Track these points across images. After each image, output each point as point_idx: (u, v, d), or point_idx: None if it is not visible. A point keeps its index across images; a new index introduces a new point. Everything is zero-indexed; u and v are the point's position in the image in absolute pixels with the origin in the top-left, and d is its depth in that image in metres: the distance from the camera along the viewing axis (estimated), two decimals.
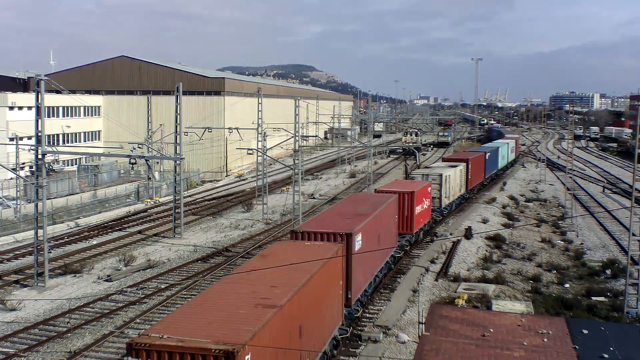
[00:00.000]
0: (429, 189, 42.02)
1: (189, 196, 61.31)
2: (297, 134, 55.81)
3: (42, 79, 32.57)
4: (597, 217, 51.78)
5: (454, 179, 50.18)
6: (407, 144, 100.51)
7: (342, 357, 23.57)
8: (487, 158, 65.98)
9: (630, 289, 28.92)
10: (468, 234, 42.73)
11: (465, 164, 54.97)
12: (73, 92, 70.98)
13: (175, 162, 45.34)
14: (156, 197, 60.82)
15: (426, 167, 53.63)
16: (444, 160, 61.87)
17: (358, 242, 24.74)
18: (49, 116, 68.92)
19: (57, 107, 73.43)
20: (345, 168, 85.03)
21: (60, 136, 73.21)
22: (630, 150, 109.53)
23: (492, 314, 18.52)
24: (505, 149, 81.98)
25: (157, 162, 67.45)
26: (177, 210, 44.82)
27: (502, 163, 79.17)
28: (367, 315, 28.10)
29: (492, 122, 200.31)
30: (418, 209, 38.01)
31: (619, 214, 51.20)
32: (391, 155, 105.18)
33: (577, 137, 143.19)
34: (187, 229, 46.38)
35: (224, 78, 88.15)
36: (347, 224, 25.60)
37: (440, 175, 46.01)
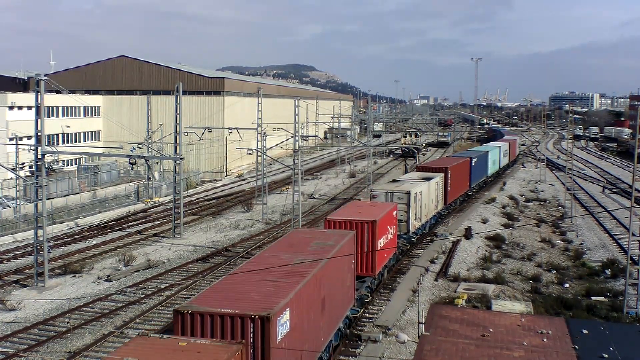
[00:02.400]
0: (395, 212, 33.25)
1: (189, 196, 61.31)
2: (296, 134, 55.83)
3: (42, 79, 32.56)
4: (596, 217, 51.79)
5: (427, 195, 41.52)
6: (407, 145, 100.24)
7: (342, 357, 23.58)
8: (472, 164, 58.43)
9: (630, 289, 28.92)
10: (468, 234, 42.74)
11: (442, 174, 47.02)
12: (73, 92, 70.97)
13: (175, 162, 45.33)
14: (156, 197, 60.82)
15: (393, 181, 42.59)
16: (418, 169, 51.67)
17: (283, 326, 16.50)
18: (48, 116, 68.92)
19: (57, 107, 73.41)
20: (345, 168, 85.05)
21: (60, 136, 73.19)
22: (630, 150, 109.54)
23: (492, 314, 18.52)
24: (496, 152, 74.13)
25: (157, 162, 67.45)
26: (176, 210, 44.81)
27: (492, 169, 71.83)
28: (367, 315, 28.10)
29: (492, 122, 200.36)
30: (381, 242, 29.61)
31: (619, 214, 51.21)
32: (391, 155, 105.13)
33: (576, 137, 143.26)
34: (186, 229, 46.38)
35: (223, 78, 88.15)
36: (265, 297, 17.04)
37: (408, 192, 36.88)
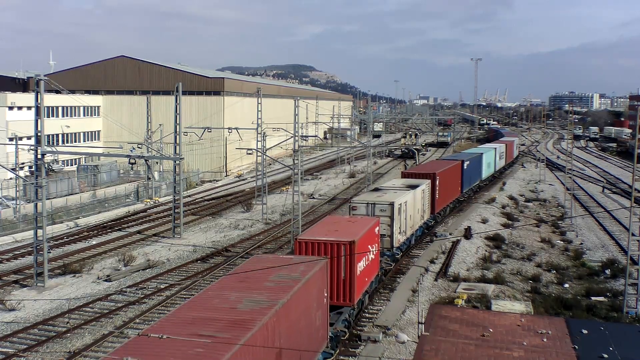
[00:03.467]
0: (377, 229, 29.00)
1: (189, 196, 61.30)
2: (296, 134, 55.82)
3: (41, 79, 32.55)
4: (596, 217, 51.80)
5: (413, 204, 37.37)
6: (406, 146, 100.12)
7: (342, 357, 23.57)
8: (464, 168, 54.60)
9: (629, 289, 28.93)
10: (467, 234, 42.73)
11: (429, 180, 43.05)
12: (72, 92, 70.94)
13: (175, 162, 45.32)
14: (155, 197, 60.81)
15: (376, 190, 38.34)
16: (403, 175, 46.94)
17: None
18: (48, 116, 68.91)
19: (57, 107, 73.41)
20: (345, 168, 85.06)
21: (60, 136, 73.19)
22: (629, 150, 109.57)
23: (492, 314, 18.51)
24: (491, 155, 69.80)
25: (157, 162, 67.45)
26: (176, 210, 44.81)
27: (487, 172, 67.81)
28: (367, 315, 28.11)
29: (492, 122, 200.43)
30: (361, 265, 25.42)
31: (619, 214, 51.22)
32: (390, 156, 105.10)
33: (576, 137, 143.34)
34: (186, 229, 46.37)
35: (223, 78, 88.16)
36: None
37: (392, 204, 32.79)
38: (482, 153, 65.18)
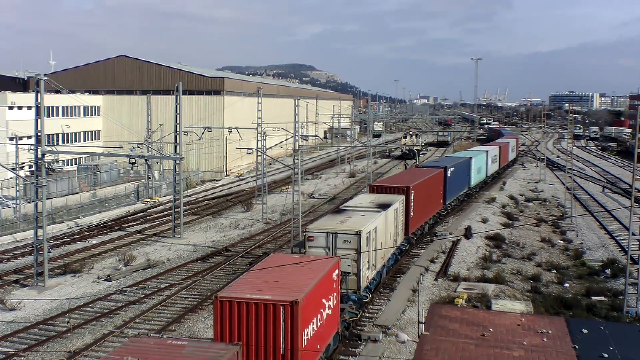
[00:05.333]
0: (335, 272, 22.07)
1: (189, 196, 61.32)
2: (296, 134, 55.84)
3: (41, 79, 32.57)
4: (596, 217, 51.80)
5: (384, 229, 30.48)
6: (407, 146, 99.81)
7: (342, 357, 23.59)
8: (448, 176, 48.07)
9: (629, 288, 28.94)
10: (467, 233, 42.73)
11: (403, 196, 35.65)
12: (73, 91, 70.96)
13: (175, 161, 45.34)
14: (156, 196, 60.82)
15: (338, 212, 30.63)
16: (371, 189, 38.60)
17: None
18: (48, 116, 68.91)
19: (57, 107, 73.41)
20: (345, 168, 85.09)
21: (60, 136, 73.20)
22: (629, 149, 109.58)
23: (492, 314, 18.52)
24: (481, 159, 63.49)
25: (157, 162, 67.45)
26: (176, 210, 44.82)
27: (477, 178, 61.55)
28: (367, 315, 28.11)
29: (492, 122, 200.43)
30: (310, 330, 18.77)
31: (619, 213, 51.22)
32: (390, 156, 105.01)
33: (576, 137, 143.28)
34: (186, 229, 46.38)
35: (223, 78, 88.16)
36: None
37: (358, 233, 26.01)
38: (470, 157, 58.72)
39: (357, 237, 26.03)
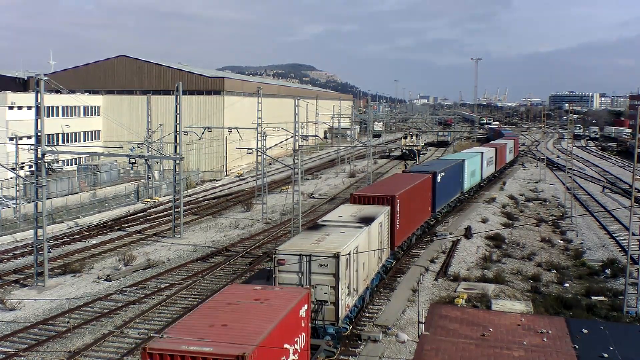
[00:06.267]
0: (303, 309, 18.64)
1: (189, 196, 61.33)
2: (296, 134, 55.83)
3: (41, 79, 32.56)
4: (596, 217, 51.81)
5: (368, 246, 26.94)
6: (408, 146, 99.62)
7: (342, 357, 23.59)
8: (437, 182, 44.73)
9: (629, 288, 28.95)
10: (467, 233, 42.73)
11: (388, 207, 32.18)
12: (73, 91, 70.95)
13: (175, 161, 45.34)
14: (156, 196, 60.82)
15: (315, 228, 27.10)
16: (353, 199, 34.40)
17: None
18: (48, 116, 68.91)
19: (57, 107, 73.42)
20: (345, 168, 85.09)
21: (60, 136, 73.21)
22: (629, 149, 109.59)
23: (492, 314, 18.53)
24: (476, 161, 60.43)
25: (157, 162, 67.45)
26: (176, 210, 44.82)
27: (471, 182, 58.53)
28: (367, 314, 28.11)
29: (492, 122, 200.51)
30: None
31: (619, 213, 51.23)
32: (389, 157, 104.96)
33: (576, 137, 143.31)
34: (186, 229, 46.38)
35: (223, 78, 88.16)
36: None
37: (337, 256, 22.54)
38: (463, 160, 55.34)
39: (335, 260, 22.51)
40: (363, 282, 26.51)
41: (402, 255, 36.71)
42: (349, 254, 23.60)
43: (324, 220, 28.81)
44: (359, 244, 25.31)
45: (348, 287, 23.94)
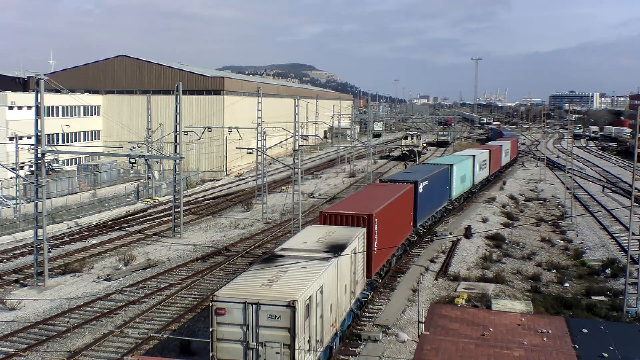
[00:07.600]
0: None
1: (189, 195, 61.32)
2: (296, 133, 55.81)
3: (41, 79, 32.55)
4: (596, 217, 51.80)
5: (336, 283, 21.82)
6: (408, 147, 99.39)
7: (342, 357, 23.58)
8: (420, 192, 39.46)
9: (629, 288, 28.92)
10: (467, 233, 42.73)
11: (364, 229, 26.86)
12: (73, 91, 70.98)
13: (175, 161, 45.34)
14: (156, 196, 60.81)
15: (270, 260, 21.25)
16: (322, 218, 28.51)
17: None
18: (48, 116, 68.93)
19: (57, 107, 73.41)
20: (345, 167, 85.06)
21: (60, 135, 73.21)
22: (629, 149, 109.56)
23: (492, 313, 18.52)
24: (466, 165, 55.78)
25: (157, 162, 67.45)
26: (176, 210, 44.81)
27: (460, 189, 53.98)
28: (367, 314, 28.11)
29: (492, 121, 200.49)
30: None
31: (619, 213, 51.22)
32: (389, 157, 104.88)
33: (576, 137, 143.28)
34: (186, 229, 46.38)
35: (223, 77, 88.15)
36: None
37: (292, 304, 17.29)
38: (451, 165, 50.24)
39: (291, 310, 17.27)
40: (330, 328, 21.14)
41: (380, 283, 31.24)
42: (309, 298, 18.36)
43: (283, 249, 23.10)
44: (324, 283, 19.87)
45: (309, 342, 18.51)
